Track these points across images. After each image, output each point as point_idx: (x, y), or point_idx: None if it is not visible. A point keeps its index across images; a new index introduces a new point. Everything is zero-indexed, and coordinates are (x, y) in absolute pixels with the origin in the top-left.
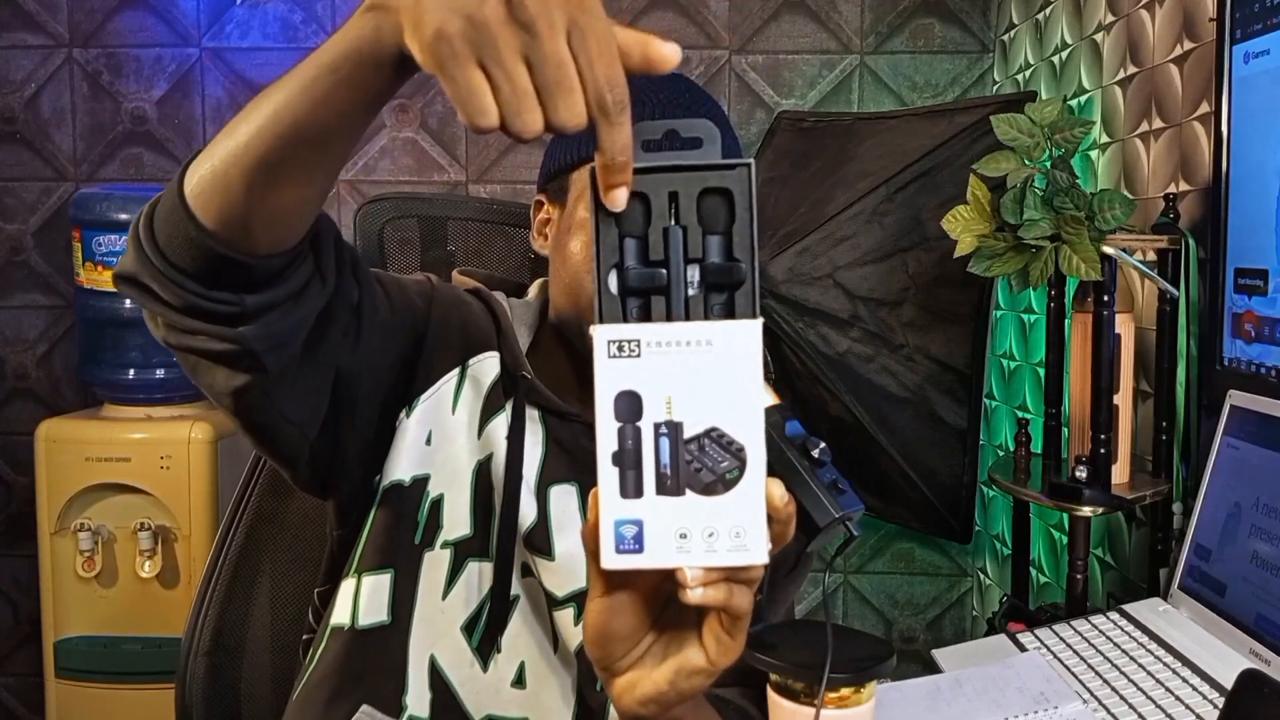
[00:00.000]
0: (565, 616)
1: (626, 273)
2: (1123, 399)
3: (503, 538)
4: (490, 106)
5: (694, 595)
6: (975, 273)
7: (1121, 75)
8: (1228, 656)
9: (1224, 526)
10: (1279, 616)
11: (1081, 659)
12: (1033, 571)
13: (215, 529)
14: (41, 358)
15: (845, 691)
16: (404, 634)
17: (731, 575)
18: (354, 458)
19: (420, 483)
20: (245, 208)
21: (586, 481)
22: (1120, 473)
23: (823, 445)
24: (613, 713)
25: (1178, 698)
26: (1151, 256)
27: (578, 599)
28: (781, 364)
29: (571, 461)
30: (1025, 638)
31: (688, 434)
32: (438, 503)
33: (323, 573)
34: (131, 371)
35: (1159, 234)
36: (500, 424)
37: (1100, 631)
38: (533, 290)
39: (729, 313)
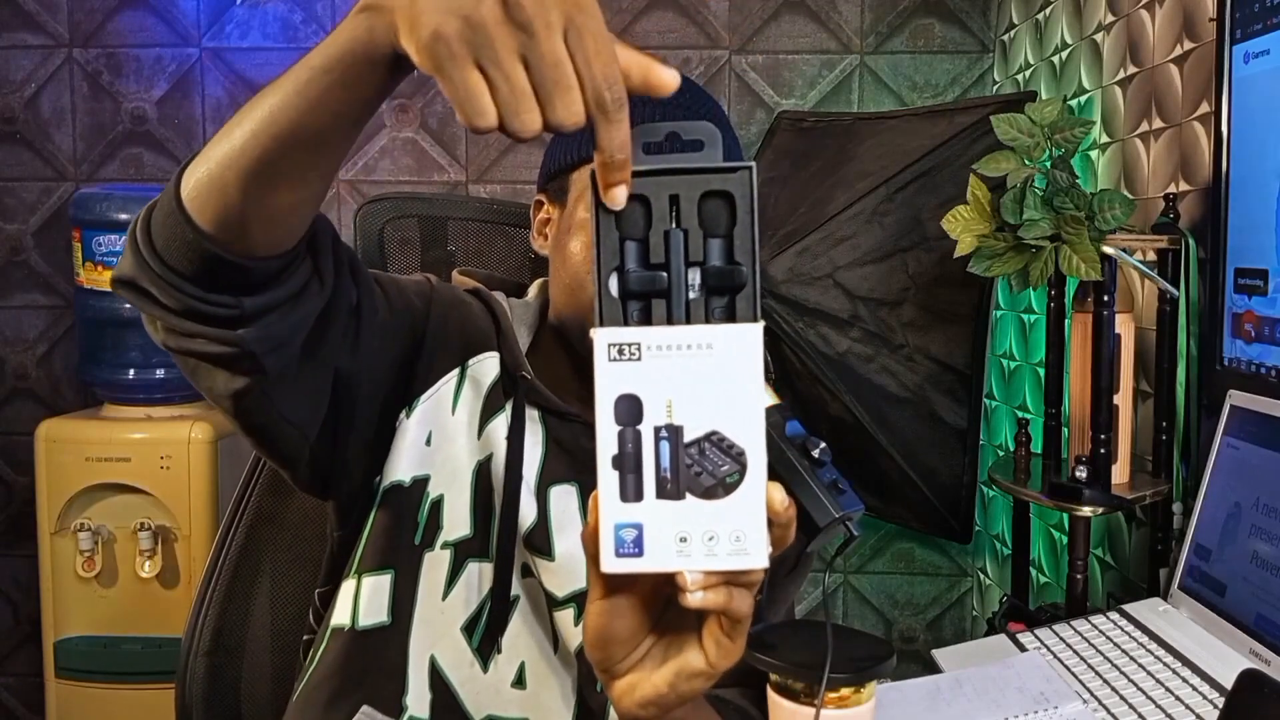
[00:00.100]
0: (565, 617)
1: (627, 275)
2: (1123, 399)
3: (503, 538)
4: (488, 107)
5: (694, 599)
6: (975, 273)
7: (1121, 75)
8: (1228, 656)
9: (1224, 526)
10: (1279, 616)
11: (1081, 659)
12: (1033, 571)
13: (215, 529)
14: (41, 358)
15: (845, 691)
16: (404, 635)
17: (731, 579)
18: (354, 458)
19: (420, 483)
20: (242, 210)
21: (587, 482)
22: (1120, 473)
23: (823, 445)
24: (613, 713)
25: (1178, 698)
26: (1151, 256)
27: (578, 599)
28: (781, 364)
29: (571, 462)
30: (1025, 638)
31: (688, 437)
32: (438, 503)
33: (323, 573)
34: (131, 371)
35: (1159, 234)
36: (500, 424)
37: (1100, 631)
38: (533, 290)
39: (730, 316)
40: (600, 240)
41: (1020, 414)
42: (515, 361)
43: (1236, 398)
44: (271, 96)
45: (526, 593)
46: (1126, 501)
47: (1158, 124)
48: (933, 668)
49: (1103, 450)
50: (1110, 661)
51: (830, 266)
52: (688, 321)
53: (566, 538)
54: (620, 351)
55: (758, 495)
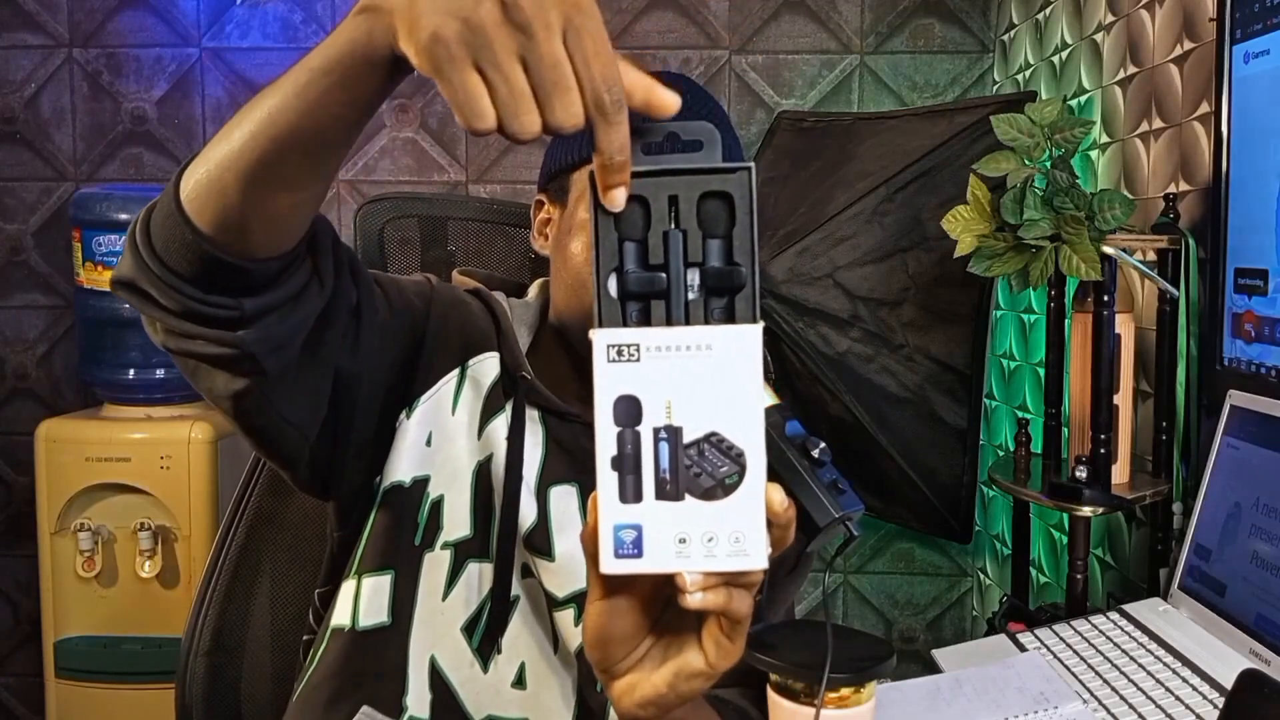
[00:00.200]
0: (565, 617)
1: (626, 276)
2: (1123, 399)
3: (503, 538)
4: (487, 109)
5: (693, 600)
6: (975, 273)
7: (1121, 75)
8: (1228, 656)
9: (1224, 526)
10: (1279, 616)
11: (1081, 659)
12: (1033, 571)
13: (215, 529)
14: (41, 358)
15: (845, 691)
16: (404, 635)
17: (731, 579)
18: (354, 459)
19: (420, 484)
20: (241, 212)
21: (587, 482)
22: (1120, 473)
23: (823, 445)
24: (613, 714)
25: (1178, 698)
26: (1151, 256)
27: (578, 600)
28: (781, 364)
29: (571, 462)
30: (1025, 638)
31: (687, 439)
32: (438, 504)
33: (323, 574)
34: (131, 371)
35: (1159, 234)
36: (500, 424)
37: (1100, 631)
38: (533, 290)
39: (729, 317)
40: (599, 241)
41: (1020, 414)
42: (515, 362)
43: (1236, 398)
44: (270, 98)
45: (526, 593)
46: (1126, 501)
47: (1158, 124)
48: (933, 668)
49: (1103, 450)
50: (1110, 661)
51: (830, 266)
52: (687, 322)
53: (566, 538)
54: (619, 352)
55: (757, 496)
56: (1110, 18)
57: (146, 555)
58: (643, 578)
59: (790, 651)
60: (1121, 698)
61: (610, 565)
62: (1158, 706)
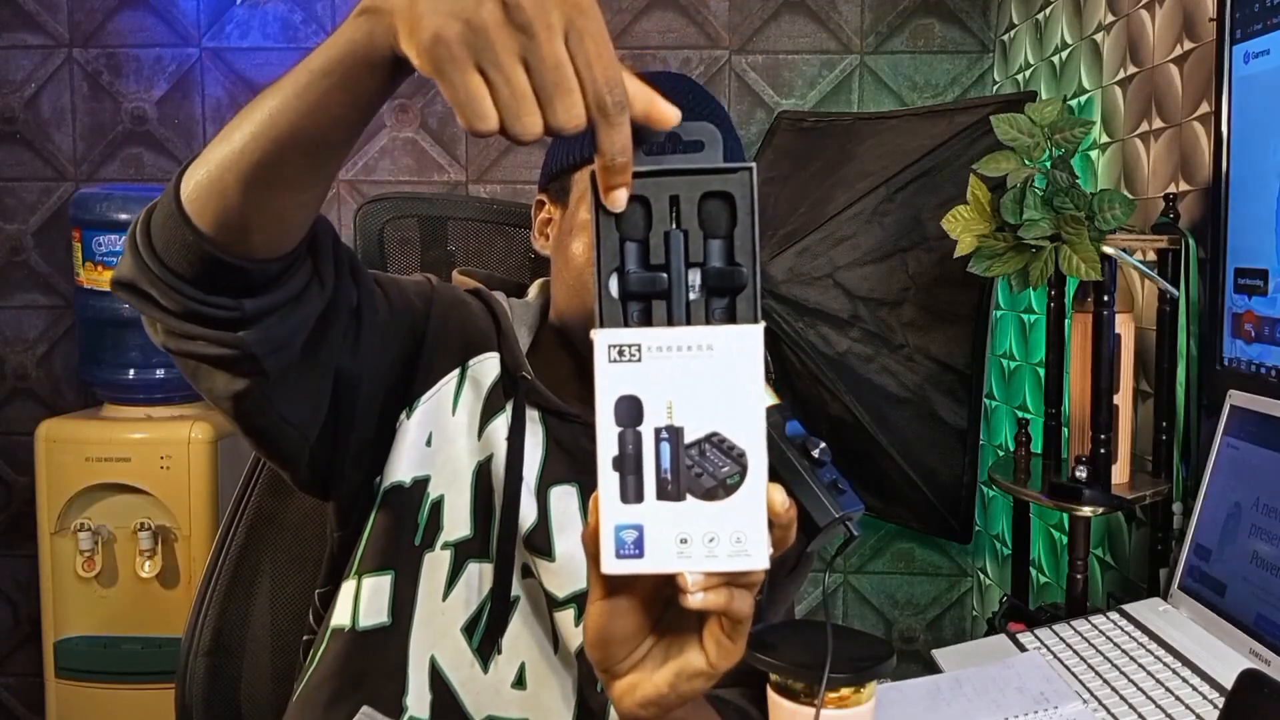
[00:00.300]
0: (566, 617)
1: (627, 277)
2: (1123, 399)
3: (503, 539)
4: (489, 110)
5: (694, 600)
6: (975, 273)
7: (1121, 75)
8: (1228, 656)
9: (1224, 526)
10: (1279, 616)
11: (1081, 659)
12: (1033, 571)
13: (215, 529)
14: (41, 358)
15: (845, 691)
16: (404, 635)
17: (732, 580)
18: (354, 459)
19: (420, 484)
20: (242, 212)
21: (587, 482)
22: (1120, 473)
23: (823, 445)
24: (613, 714)
25: (1178, 698)
26: (1151, 256)
27: (578, 600)
28: (781, 364)
29: (572, 462)
30: (1025, 638)
31: (689, 439)
32: (438, 504)
33: (323, 574)
34: (131, 371)
35: (1159, 234)
36: (500, 425)
37: (1100, 631)
38: (533, 290)
39: (730, 317)
40: (600, 241)
41: (1020, 414)
42: (515, 362)
43: (1236, 398)
44: (271, 99)
45: (527, 593)
46: (1126, 501)
47: (1158, 124)
48: (933, 668)
49: (1103, 450)
50: (1110, 661)
51: (830, 266)
52: (688, 323)
53: (567, 538)
54: (620, 353)
55: (758, 496)
56: (1110, 18)
57: (146, 555)
58: (644, 578)
59: (790, 651)
60: (1121, 698)
61: (611, 565)
62: (1158, 706)
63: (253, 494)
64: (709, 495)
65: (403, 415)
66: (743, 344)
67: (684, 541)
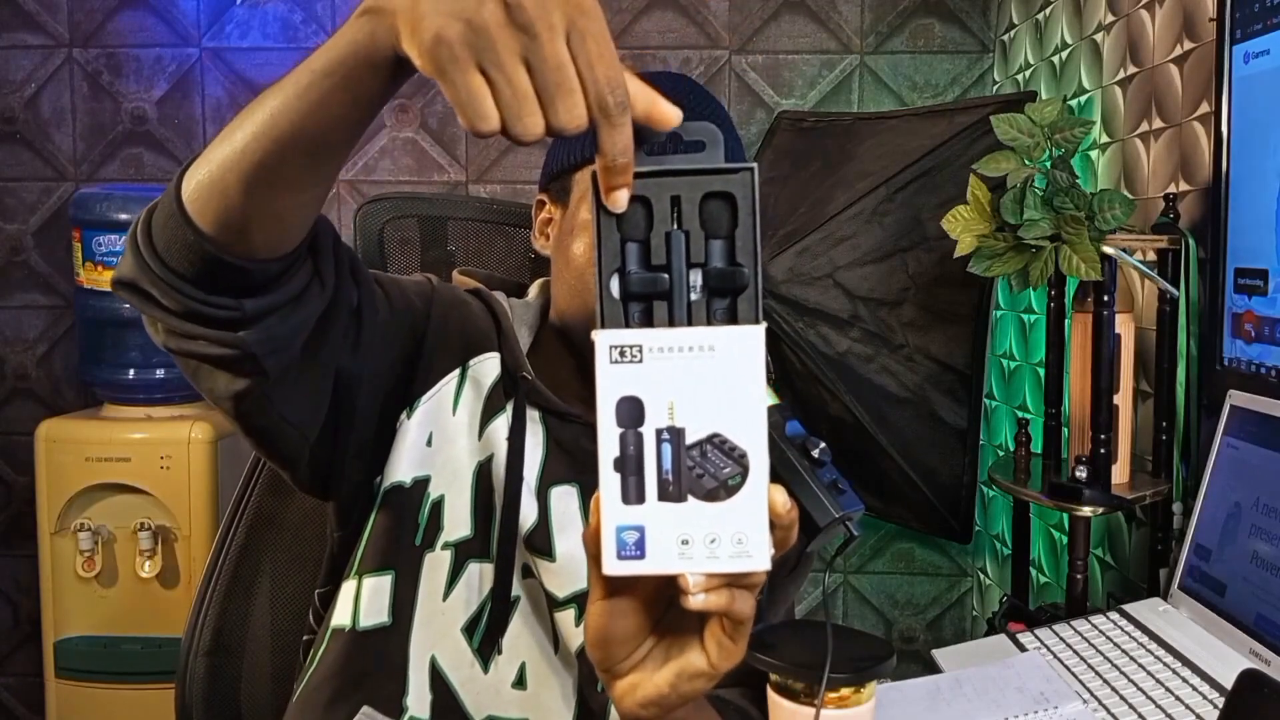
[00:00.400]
0: (566, 617)
1: (629, 277)
2: (1123, 399)
3: (503, 539)
4: (491, 111)
5: (696, 601)
6: (975, 273)
7: (1121, 75)
8: (1228, 656)
9: (1224, 526)
10: (1279, 616)
11: (1081, 659)
12: (1033, 571)
13: (215, 529)
14: (41, 358)
15: (845, 691)
16: (405, 635)
17: (733, 581)
18: (354, 459)
19: (421, 484)
20: (243, 212)
21: (587, 482)
22: (1120, 473)
23: (823, 445)
24: (613, 714)
25: (1178, 698)
26: (1151, 256)
27: (579, 600)
28: (781, 364)
29: (572, 462)
30: (1025, 638)
31: (690, 440)
32: (438, 504)
33: (323, 574)
34: (131, 371)
35: (1159, 234)
36: (501, 425)
37: (1100, 631)
38: (533, 290)
39: (731, 318)
40: (601, 242)
41: (1020, 414)
42: (516, 362)
43: (1236, 398)
44: (272, 99)
45: (527, 593)
46: (1126, 501)
47: (1158, 124)
48: (933, 668)
49: (1103, 450)
50: (1110, 661)
51: (830, 266)
52: (689, 323)
53: (567, 538)
54: (622, 353)
55: (760, 497)
56: (1110, 18)
57: (146, 555)
58: (645, 579)
59: (790, 651)
60: (1121, 698)
61: (613, 567)
62: (1158, 706)
63: (253, 494)
64: (710, 496)
65: (403, 415)
66: (744, 345)
67: (685, 542)
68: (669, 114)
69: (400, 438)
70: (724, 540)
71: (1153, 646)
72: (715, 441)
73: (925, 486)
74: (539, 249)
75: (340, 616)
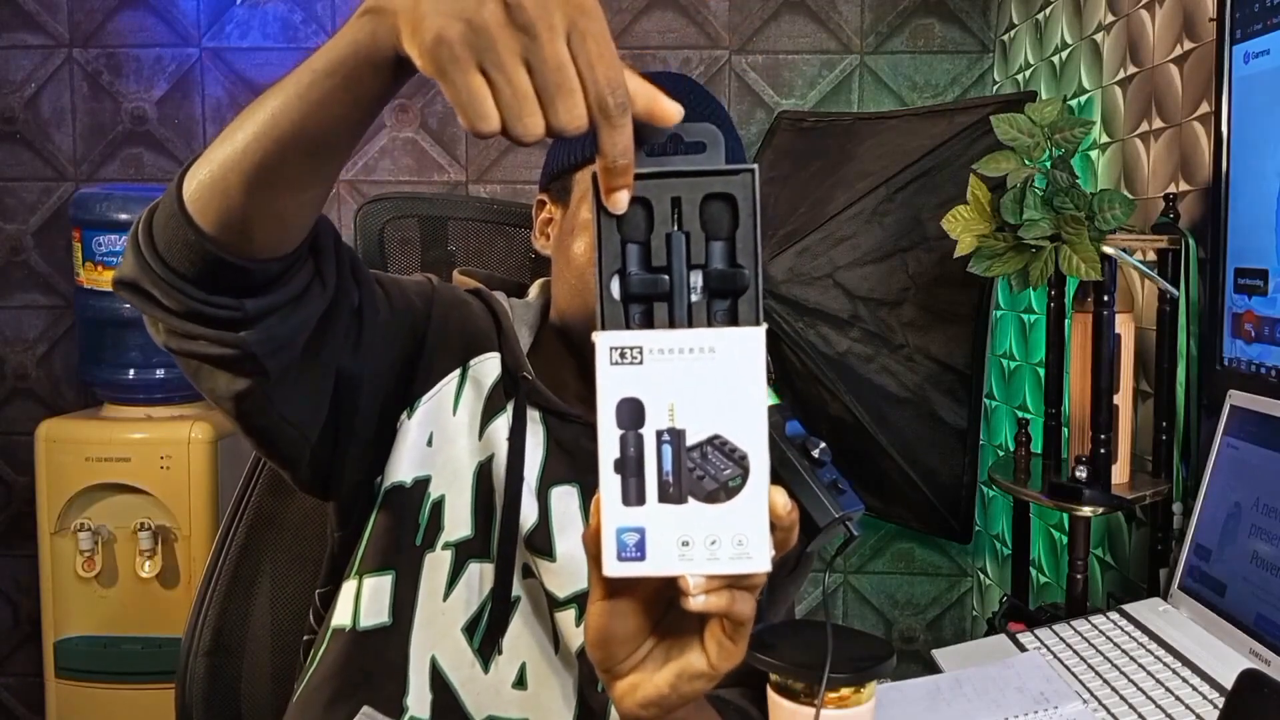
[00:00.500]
0: (566, 618)
1: (629, 278)
2: (1123, 399)
3: (504, 539)
4: (491, 111)
5: (696, 602)
6: (975, 273)
7: (1121, 75)
8: (1228, 656)
9: (1224, 526)
10: (1279, 616)
11: (1081, 659)
12: (1033, 571)
13: (215, 529)
14: (41, 358)
15: (845, 691)
16: (405, 635)
17: (734, 582)
18: (354, 459)
19: (421, 484)
20: (244, 212)
21: (588, 483)
22: (1120, 473)
23: (823, 445)
24: (614, 714)
25: (1178, 698)
26: (1151, 256)
27: (579, 600)
28: (781, 364)
29: (572, 463)
30: (1025, 638)
31: (690, 441)
32: (439, 504)
33: (323, 574)
34: (131, 371)
35: (1159, 234)
36: (501, 425)
37: (1100, 631)
38: (534, 290)
39: (732, 319)
40: (602, 243)
41: (1020, 414)
42: (516, 362)
43: (1236, 398)
44: (273, 99)
45: (527, 593)
46: (1126, 501)
47: (1158, 124)
48: (933, 668)
49: (1103, 450)
50: (1110, 661)
51: (830, 266)
52: (690, 325)
53: (567, 538)
54: (622, 355)
55: (760, 499)
56: (1110, 18)
57: (146, 555)
58: (645, 580)
59: (790, 651)
60: (1121, 698)
61: (613, 568)
62: (1158, 706)
63: (253, 494)
64: (711, 498)
65: (403, 415)
66: (745, 346)
67: (685, 544)
68: (670, 111)
69: (401, 438)
70: (724, 542)
71: (1153, 646)
72: (716, 443)
73: (925, 486)
74: (539, 249)
75: (340, 616)
